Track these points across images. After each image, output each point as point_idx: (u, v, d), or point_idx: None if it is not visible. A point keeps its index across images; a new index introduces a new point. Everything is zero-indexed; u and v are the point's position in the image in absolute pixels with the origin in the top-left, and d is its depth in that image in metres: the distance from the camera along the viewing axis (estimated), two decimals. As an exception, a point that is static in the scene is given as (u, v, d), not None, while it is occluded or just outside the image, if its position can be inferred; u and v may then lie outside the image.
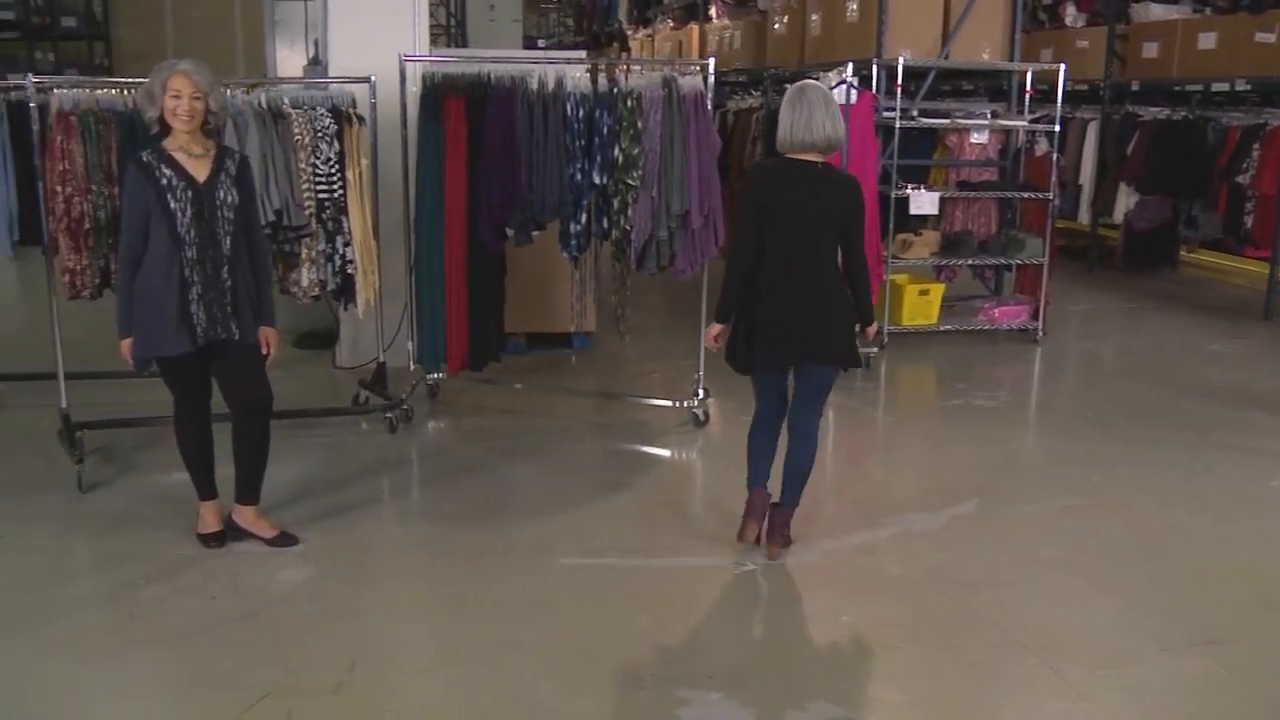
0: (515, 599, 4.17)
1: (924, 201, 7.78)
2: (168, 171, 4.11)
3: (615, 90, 5.65)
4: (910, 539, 4.75)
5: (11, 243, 5.82)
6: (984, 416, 6.50)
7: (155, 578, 4.24)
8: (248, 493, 4.51)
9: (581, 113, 5.62)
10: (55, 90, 5.29)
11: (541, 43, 20.99)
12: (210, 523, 4.51)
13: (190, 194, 4.12)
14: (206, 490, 4.52)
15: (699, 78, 5.72)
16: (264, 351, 4.41)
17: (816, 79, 6.56)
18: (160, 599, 4.09)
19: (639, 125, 5.56)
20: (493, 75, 5.71)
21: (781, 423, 4.52)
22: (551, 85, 5.63)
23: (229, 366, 4.36)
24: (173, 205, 4.10)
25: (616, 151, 5.60)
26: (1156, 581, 4.39)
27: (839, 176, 4.36)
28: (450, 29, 13.19)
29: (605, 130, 5.61)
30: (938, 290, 8.15)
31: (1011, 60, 8.35)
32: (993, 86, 10.76)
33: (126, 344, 4.24)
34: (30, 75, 5.36)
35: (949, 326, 8.14)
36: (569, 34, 22.95)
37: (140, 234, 4.13)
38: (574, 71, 5.86)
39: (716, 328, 4.45)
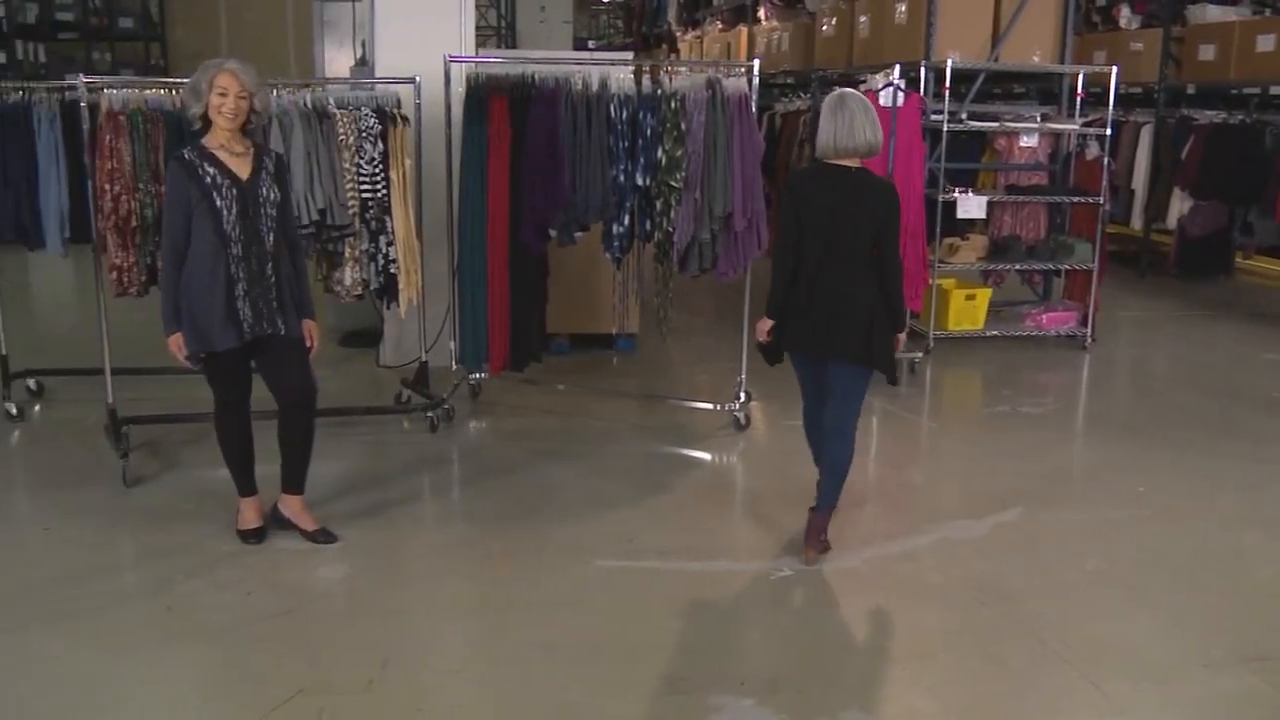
0: (550, 600, 4.17)
1: (971, 205, 7.70)
2: (211, 170, 4.16)
3: (659, 91, 5.64)
4: (951, 546, 4.69)
5: (63, 240, 5.91)
6: (1030, 423, 6.41)
7: (195, 572, 4.28)
8: (293, 483, 4.56)
9: (625, 114, 5.62)
10: (106, 90, 5.36)
11: (591, 44, 21.14)
12: (250, 519, 4.56)
13: (235, 191, 4.17)
14: (246, 486, 4.56)
15: (743, 79, 5.69)
16: (307, 344, 4.45)
17: (863, 82, 6.53)
18: (199, 593, 4.14)
19: (682, 127, 5.54)
20: (537, 76, 5.72)
21: None
22: (595, 86, 5.63)
23: (274, 360, 4.40)
24: (218, 203, 4.15)
25: (660, 153, 5.59)
26: (1203, 596, 4.30)
27: (874, 181, 4.41)
28: (500, 30, 13.27)
29: (649, 132, 5.60)
30: (984, 295, 8.06)
31: (1063, 63, 8.23)
32: (1044, 89, 10.62)
33: (174, 339, 4.28)
34: (81, 75, 5.45)
35: (995, 332, 8.04)
36: (619, 35, 23.07)
37: (182, 230, 4.17)
38: (618, 73, 5.85)
39: (768, 323, 4.49)
